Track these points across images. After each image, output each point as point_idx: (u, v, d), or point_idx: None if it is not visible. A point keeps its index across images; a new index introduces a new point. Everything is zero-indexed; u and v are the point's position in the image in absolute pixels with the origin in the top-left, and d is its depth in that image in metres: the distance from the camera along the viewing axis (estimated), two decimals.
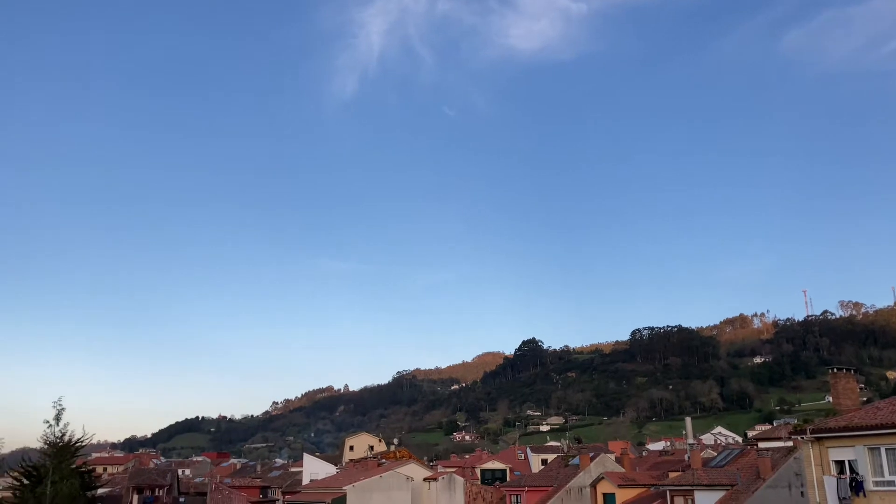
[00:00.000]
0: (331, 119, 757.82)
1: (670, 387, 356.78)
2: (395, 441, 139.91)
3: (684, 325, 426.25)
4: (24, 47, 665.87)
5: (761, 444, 57.65)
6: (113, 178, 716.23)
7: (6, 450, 44.83)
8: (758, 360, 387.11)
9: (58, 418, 47.20)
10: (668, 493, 47.59)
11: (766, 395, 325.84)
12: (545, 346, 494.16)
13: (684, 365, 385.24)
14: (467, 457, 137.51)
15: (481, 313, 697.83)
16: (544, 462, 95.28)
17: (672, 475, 54.10)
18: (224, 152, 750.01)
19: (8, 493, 69.33)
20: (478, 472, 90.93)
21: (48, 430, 48.10)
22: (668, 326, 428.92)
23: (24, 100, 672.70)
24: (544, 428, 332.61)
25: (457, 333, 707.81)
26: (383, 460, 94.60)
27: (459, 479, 75.02)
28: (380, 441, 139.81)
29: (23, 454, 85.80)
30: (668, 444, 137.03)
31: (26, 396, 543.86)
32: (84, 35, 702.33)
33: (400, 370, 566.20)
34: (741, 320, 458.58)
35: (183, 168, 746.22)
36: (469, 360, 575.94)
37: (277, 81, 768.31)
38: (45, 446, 50.60)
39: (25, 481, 70.71)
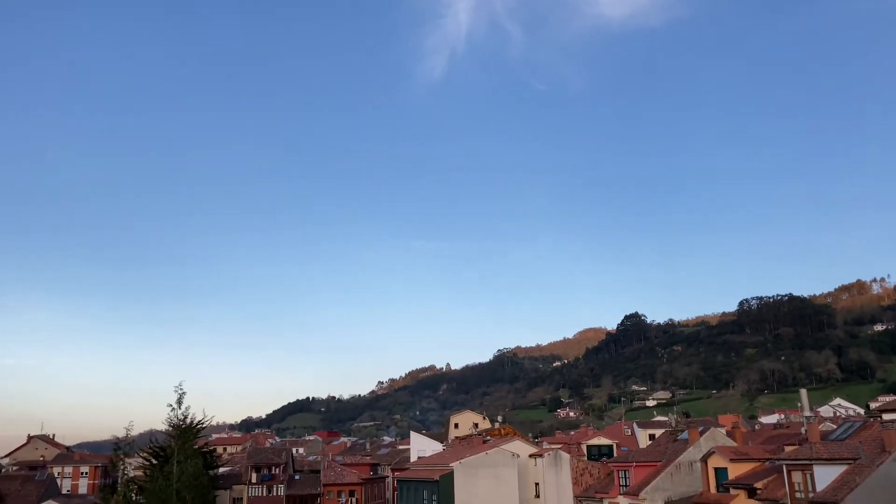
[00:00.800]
0: (420, 100, 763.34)
1: (783, 358, 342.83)
2: (500, 418, 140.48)
3: (795, 293, 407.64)
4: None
5: (886, 416, 54.57)
6: (218, 169, 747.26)
7: (135, 432, 47.70)
8: (878, 327, 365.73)
9: (179, 402, 49.99)
10: (784, 467, 45.87)
11: (888, 365, 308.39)
12: (648, 320, 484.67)
13: (797, 335, 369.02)
14: (572, 433, 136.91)
15: (580, 289, 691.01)
16: (651, 437, 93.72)
17: (788, 449, 52.10)
18: (313, 139, 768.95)
19: (139, 472, 74.15)
20: (584, 448, 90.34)
21: (172, 414, 51.06)
22: (777, 295, 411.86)
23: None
24: (650, 403, 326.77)
25: (556, 310, 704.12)
26: (488, 437, 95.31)
27: (565, 456, 74.75)
28: (484, 418, 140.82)
29: (150, 436, 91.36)
30: (783, 417, 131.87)
31: (152, 382, 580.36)
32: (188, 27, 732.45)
33: (500, 348, 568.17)
34: (858, 287, 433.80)
35: (282, 155, 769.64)
36: (570, 336, 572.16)
37: (366, 66, 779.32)
38: (170, 428, 53.65)
39: (154, 461, 75.53)
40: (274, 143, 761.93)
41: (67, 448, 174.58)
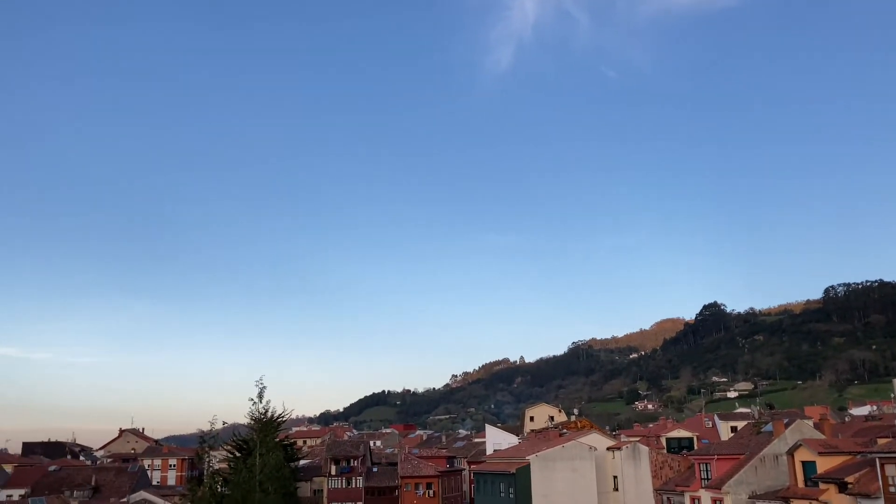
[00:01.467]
0: (487, 93, 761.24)
1: (874, 347, 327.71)
2: (575, 411, 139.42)
3: (886, 279, 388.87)
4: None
5: None
6: (287, 166, 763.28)
7: (219, 426, 49.04)
8: None
9: (260, 396, 50.94)
10: (877, 460, 43.82)
11: None
12: (728, 310, 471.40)
13: (889, 322, 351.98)
14: (651, 426, 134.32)
15: (657, 280, 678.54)
16: (734, 429, 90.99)
17: (881, 441, 49.72)
18: (383, 136, 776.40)
19: (224, 465, 76.54)
20: (663, 440, 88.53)
21: (253, 408, 52.25)
22: (866, 282, 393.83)
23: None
24: (731, 394, 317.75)
25: (632, 302, 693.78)
26: (564, 430, 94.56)
27: (644, 448, 73.46)
28: (559, 411, 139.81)
29: (233, 430, 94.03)
30: (875, 408, 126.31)
31: (234, 378, 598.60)
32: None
33: (575, 341, 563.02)
34: None
35: (361, 151, 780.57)
36: (647, 327, 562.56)
37: (432, 59, 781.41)
38: (252, 422, 55.02)
39: (237, 454, 77.86)
40: (356, 141, 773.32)
41: (156, 441, 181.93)
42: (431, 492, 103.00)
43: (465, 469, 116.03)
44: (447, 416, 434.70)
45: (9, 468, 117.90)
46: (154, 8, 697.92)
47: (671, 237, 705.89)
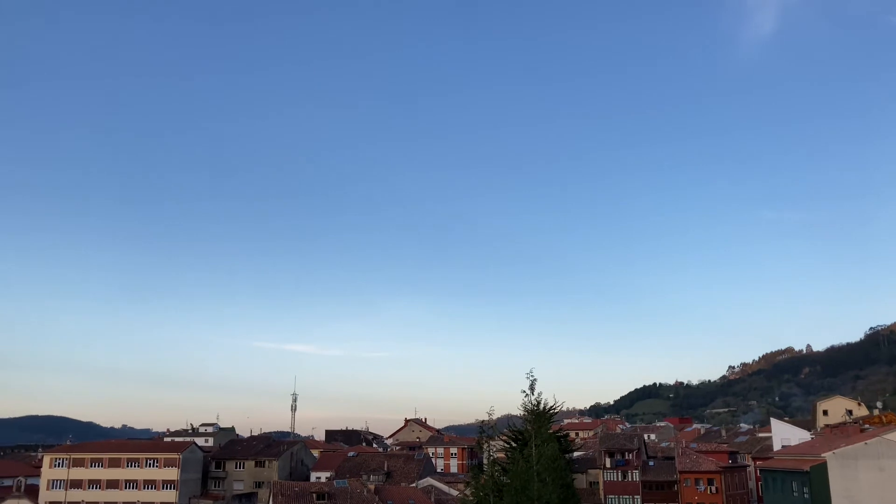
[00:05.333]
0: (749, 57, 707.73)
1: None
2: (879, 405, 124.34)
3: None
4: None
5: None
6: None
7: (496, 415, 50.88)
8: None
9: (532, 388, 51.89)
10: None
11: None
12: None
13: None
14: None
15: None
16: None
17: None
18: (642, 106, 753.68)
19: (500, 454, 79.28)
20: None
21: (525, 399, 53.39)
22: None
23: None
24: None
25: None
26: (866, 426, 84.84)
27: None
28: (859, 405, 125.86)
29: (508, 420, 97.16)
30: None
31: (507, 369, 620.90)
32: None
33: (873, 326, 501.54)
34: None
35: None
36: None
37: (686, 29, 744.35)
38: (525, 413, 56.22)
39: (514, 444, 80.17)
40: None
41: (437, 431, 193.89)
42: (713, 488, 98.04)
43: (749, 465, 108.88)
44: (726, 410, 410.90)
45: (316, 453, 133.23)
46: None
47: None
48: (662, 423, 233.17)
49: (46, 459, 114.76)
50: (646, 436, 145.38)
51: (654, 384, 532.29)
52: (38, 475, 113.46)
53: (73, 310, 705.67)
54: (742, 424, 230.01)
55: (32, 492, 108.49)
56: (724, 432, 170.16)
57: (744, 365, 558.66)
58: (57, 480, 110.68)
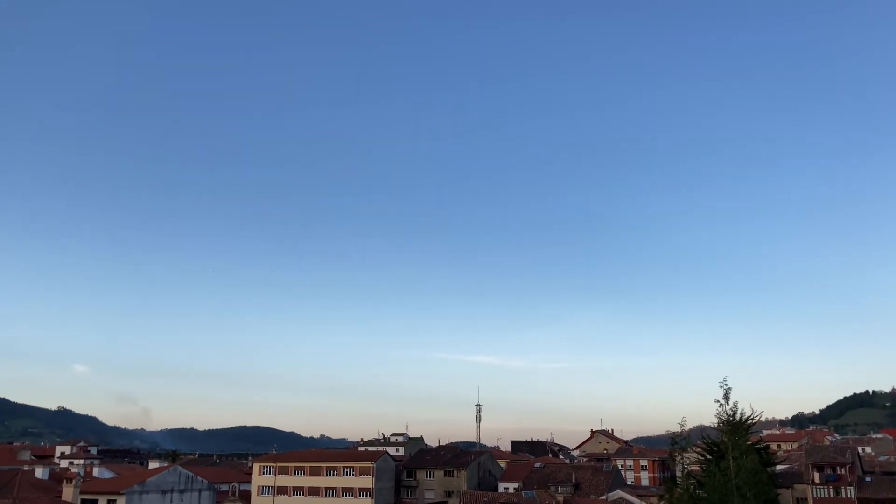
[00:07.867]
0: None
1: None
2: None
3: None
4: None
5: None
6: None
7: (687, 427, 48.62)
8: None
9: (726, 397, 49.09)
10: None
11: None
12: None
13: None
14: None
15: None
16: None
17: None
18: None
19: (695, 467, 75.34)
20: None
21: (720, 409, 50.48)
22: None
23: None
24: None
25: None
26: None
27: None
28: None
29: (701, 431, 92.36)
30: None
31: (698, 379, 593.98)
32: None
33: None
34: None
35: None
36: None
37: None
38: (720, 424, 53.11)
39: (709, 456, 75.98)
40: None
41: (626, 442, 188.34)
42: None
43: None
44: None
45: (502, 463, 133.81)
46: None
47: None
48: (879, 435, 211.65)
49: (256, 467, 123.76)
50: (860, 448, 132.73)
51: (867, 392, 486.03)
52: (249, 481, 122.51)
53: (279, 333, 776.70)
54: None
55: (245, 497, 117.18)
56: None
57: None
58: (265, 487, 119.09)
